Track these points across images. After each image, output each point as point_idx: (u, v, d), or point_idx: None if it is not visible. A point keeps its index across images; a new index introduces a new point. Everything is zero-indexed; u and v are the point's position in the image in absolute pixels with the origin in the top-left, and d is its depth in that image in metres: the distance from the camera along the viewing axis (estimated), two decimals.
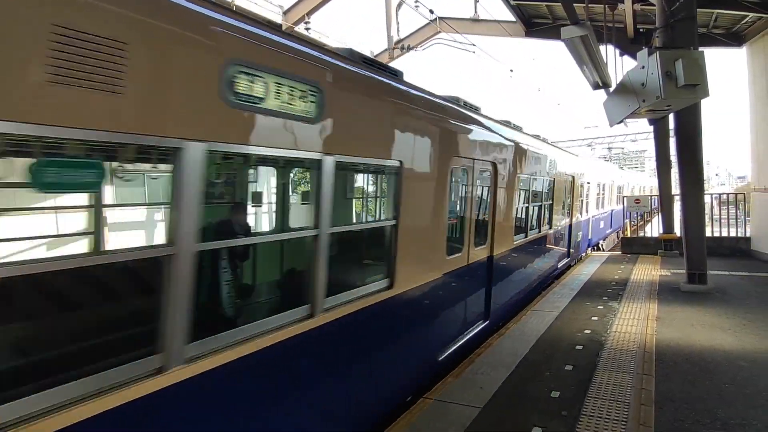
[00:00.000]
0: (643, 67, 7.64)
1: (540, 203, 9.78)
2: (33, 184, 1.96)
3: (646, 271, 12.09)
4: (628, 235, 18.05)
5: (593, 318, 7.71)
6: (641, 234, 20.45)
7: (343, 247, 3.86)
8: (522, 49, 27.53)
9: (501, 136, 7.20)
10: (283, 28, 12.92)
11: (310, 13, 13.57)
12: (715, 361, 5.76)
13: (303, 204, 4.77)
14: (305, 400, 3.35)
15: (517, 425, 4.23)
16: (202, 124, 2.47)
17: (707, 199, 15.19)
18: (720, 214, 16.36)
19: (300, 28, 13.57)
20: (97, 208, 3.75)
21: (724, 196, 17.62)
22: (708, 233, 12.95)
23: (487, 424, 4.26)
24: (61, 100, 1.89)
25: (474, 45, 14.25)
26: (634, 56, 9.01)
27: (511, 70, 18.24)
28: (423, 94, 4.93)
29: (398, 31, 17.05)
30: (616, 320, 7.54)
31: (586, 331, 6.96)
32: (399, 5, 16.18)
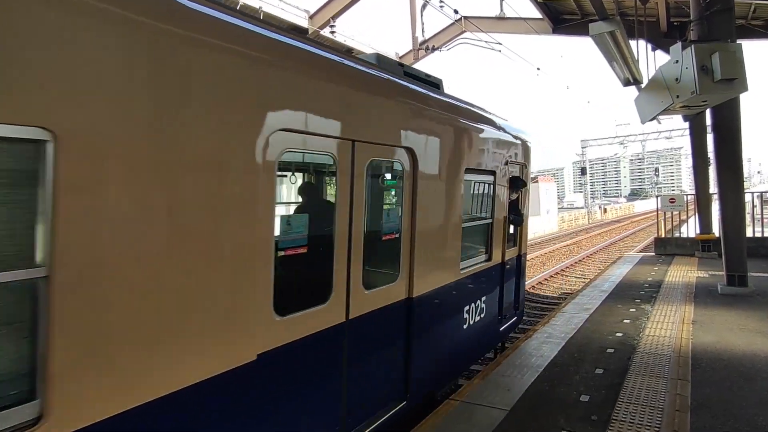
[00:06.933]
0: (677, 61, 7.40)
1: None
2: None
3: (682, 273, 11.67)
4: (662, 236, 17.46)
5: (625, 321, 7.50)
6: (677, 234, 19.75)
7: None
8: (549, 47, 27.01)
9: None
10: (309, 32, 13.10)
11: (335, 16, 13.71)
12: (756, 367, 5.52)
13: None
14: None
15: (544, 429, 4.17)
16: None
17: (748, 197, 14.56)
18: (762, 214, 15.70)
19: (326, 32, 13.72)
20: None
21: (767, 195, 16.84)
22: (749, 233, 12.42)
23: (514, 427, 4.21)
24: None
25: (500, 44, 14.11)
26: (667, 51, 8.71)
27: (538, 68, 17.95)
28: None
29: (423, 31, 17.02)
30: (649, 323, 7.31)
31: (618, 334, 6.78)
32: (423, 6, 16.14)
